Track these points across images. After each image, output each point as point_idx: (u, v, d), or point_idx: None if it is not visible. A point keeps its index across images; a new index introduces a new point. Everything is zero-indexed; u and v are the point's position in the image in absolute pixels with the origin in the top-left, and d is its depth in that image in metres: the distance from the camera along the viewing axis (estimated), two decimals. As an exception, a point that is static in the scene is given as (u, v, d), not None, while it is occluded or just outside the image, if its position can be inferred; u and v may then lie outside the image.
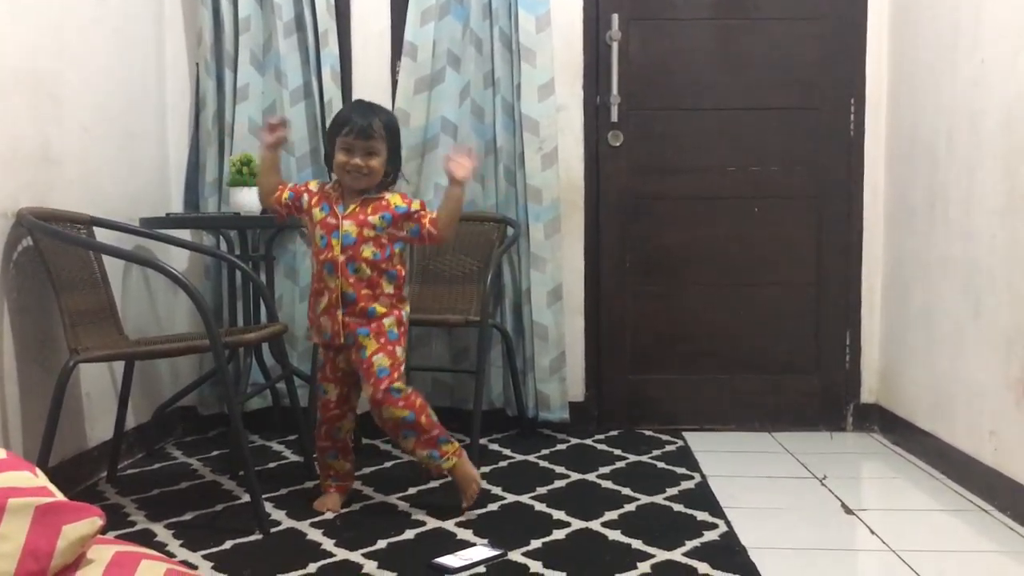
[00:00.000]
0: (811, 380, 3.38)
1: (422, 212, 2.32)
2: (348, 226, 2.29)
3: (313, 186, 2.39)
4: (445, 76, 3.19)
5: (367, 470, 2.75)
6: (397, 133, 2.37)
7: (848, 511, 2.42)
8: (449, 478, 2.38)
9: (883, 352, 3.32)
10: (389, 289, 2.32)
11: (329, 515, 2.35)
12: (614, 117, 3.30)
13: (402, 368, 2.33)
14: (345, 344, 2.32)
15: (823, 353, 3.38)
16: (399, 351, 2.32)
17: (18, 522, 1.08)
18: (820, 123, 3.32)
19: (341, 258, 2.29)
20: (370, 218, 2.29)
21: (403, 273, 2.37)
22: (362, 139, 2.26)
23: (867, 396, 3.37)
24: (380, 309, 2.30)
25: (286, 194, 2.37)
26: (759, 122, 3.33)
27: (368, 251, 2.29)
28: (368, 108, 2.34)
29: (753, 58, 3.32)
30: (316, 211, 2.33)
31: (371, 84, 3.30)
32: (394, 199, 2.33)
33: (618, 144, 3.32)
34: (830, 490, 2.61)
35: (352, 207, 2.30)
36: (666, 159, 3.34)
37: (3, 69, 2.25)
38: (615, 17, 3.27)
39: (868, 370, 3.37)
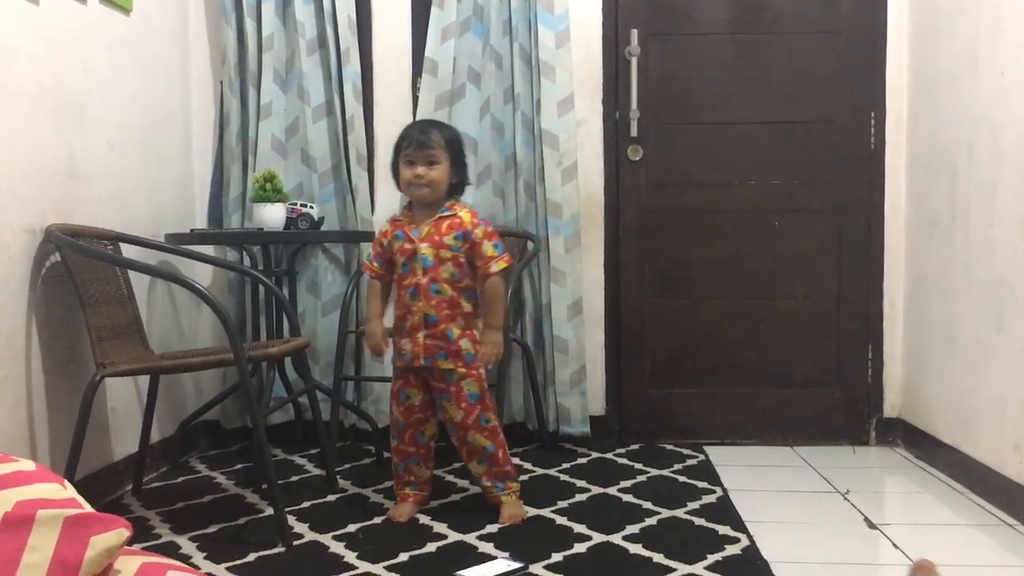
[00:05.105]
0: (833, 394, 3.37)
1: (486, 261, 2.34)
2: (425, 249, 2.33)
3: (386, 227, 2.43)
4: (465, 92, 3.22)
5: (387, 483, 2.75)
6: (459, 144, 2.41)
7: (871, 526, 2.41)
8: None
9: (905, 366, 3.30)
10: (467, 308, 2.36)
11: (352, 528, 2.36)
12: (633, 132, 3.31)
13: (488, 390, 2.38)
14: (424, 367, 2.35)
15: (845, 367, 3.37)
16: (483, 372, 2.37)
17: (47, 533, 1.10)
18: (840, 136, 3.32)
19: (424, 281, 2.32)
20: (445, 238, 2.33)
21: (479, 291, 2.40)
22: (421, 149, 2.31)
23: (890, 410, 3.35)
24: (456, 331, 2.34)
25: (375, 264, 2.43)
26: (779, 136, 3.33)
27: (447, 272, 2.33)
28: (427, 122, 2.47)
29: (772, 72, 3.32)
30: (394, 243, 2.38)
31: (392, 101, 3.33)
32: (465, 216, 2.35)
33: (637, 158, 3.33)
34: (853, 504, 2.59)
35: (426, 229, 2.34)
36: (686, 173, 3.35)
37: (30, 87, 2.29)
38: (634, 32, 3.28)
39: (891, 384, 3.35)
